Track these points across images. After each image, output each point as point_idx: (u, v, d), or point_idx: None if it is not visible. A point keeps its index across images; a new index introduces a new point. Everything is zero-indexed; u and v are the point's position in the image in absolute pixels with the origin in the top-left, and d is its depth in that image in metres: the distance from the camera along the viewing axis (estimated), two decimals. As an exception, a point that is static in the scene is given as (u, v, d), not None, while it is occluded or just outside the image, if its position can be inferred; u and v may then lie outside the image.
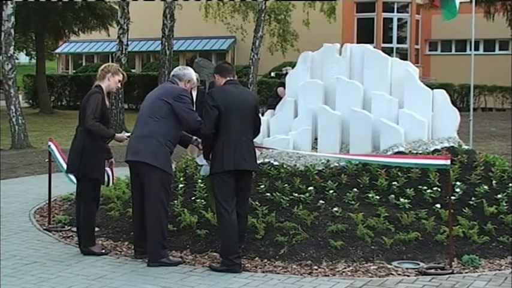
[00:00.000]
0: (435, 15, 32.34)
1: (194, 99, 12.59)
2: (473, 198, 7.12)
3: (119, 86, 6.99)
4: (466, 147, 8.26)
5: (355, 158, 7.47)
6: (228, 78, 6.45)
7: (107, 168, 6.91)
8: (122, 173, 8.87)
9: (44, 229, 7.76)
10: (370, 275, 5.99)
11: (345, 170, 7.61)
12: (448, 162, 6.21)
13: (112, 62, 16.22)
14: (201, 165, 6.89)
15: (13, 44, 17.47)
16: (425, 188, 7.24)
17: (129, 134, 6.95)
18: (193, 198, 7.44)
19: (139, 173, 6.40)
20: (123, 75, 6.98)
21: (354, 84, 8.30)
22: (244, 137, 6.28)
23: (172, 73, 6.80)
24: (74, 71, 40.17)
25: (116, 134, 6.97)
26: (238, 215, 6.25)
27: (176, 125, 6.42)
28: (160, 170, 6.29)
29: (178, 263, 6.35)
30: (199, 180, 7.65)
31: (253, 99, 6.62)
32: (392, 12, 36.31)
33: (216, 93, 6.35)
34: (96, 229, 7.07)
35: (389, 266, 6.17)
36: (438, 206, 6.98)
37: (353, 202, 7.09)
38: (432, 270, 6.00)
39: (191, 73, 6.76)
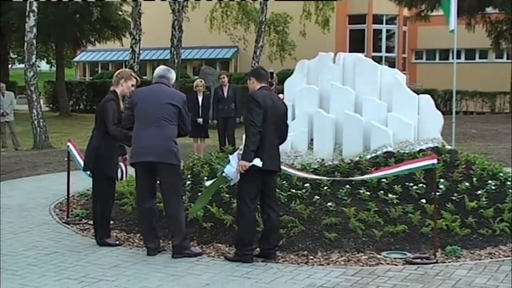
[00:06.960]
0: (420, 26, 32.35)
1: (200, 103, 12.61)
2: (455, 194, 7.12)
3: (133, 90, 6.83)
4: (449, 147, 8.26)
5: (356, 179, 7.19)
6: (264, 84, 6.22)
7: (121, 164, 6.85)
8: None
9: (63, 222, 7.75)
10: (361, 264, 5.98)
11: (338, 168, 7.60)
12: (435, 161, 6.20)
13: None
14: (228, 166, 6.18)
15: (35, 53, 17.46)
16: (411, 184, 7.23)
17: None
18: (199, 194, 7.42)
19: (157, 173, 6.26)
20: (136, 79, 6.84)
21: (346, 90, 8.29)
22: (275, 140, 6.12)
23: (160, 74, 6.46)
24: (91, 78, 40.15)
25: None
26: (268, 215, 6.12)
27: None
28: (179, 168, 6.41)
29: (200, 254, 6.24)
30: (205, 178, 7.64)
31: (285, 107, 6.35)
32: (382, 24, 36.26)
33: (259, 96, 6.03)
34: (111, 222, 7.05)
35: (378, 256, 6.15)
36: (423, 201, 6.97)
37: (346, 197, 7.08)
38: (418, 260, 5.99)
39: (173, 73, 6.60)
